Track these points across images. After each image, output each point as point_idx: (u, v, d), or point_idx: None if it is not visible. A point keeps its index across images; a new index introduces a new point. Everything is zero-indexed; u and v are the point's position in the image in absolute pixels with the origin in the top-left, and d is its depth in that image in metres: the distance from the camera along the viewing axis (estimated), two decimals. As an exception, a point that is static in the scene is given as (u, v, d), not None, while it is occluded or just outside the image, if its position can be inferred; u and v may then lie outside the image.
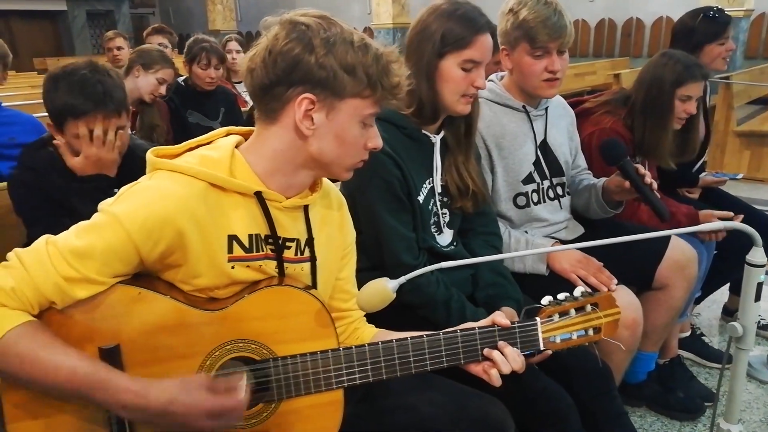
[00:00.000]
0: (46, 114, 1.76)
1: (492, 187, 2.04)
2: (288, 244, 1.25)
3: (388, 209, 1.66)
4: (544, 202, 2.12)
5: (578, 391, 1.61)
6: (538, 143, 2.09)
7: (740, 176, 3.28)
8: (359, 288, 1.27)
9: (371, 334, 1.43)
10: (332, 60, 1.12)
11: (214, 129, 1.30)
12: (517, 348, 1.28)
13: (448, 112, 1.70)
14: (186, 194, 1.12)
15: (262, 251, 1.21)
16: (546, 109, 2.13)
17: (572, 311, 1.32)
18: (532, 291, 1.78)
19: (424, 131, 1.73)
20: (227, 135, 1.27)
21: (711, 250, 2.49)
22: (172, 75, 3.19)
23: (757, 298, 1.27)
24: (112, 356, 1.10)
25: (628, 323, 1.86)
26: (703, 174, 2.88)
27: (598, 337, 1.34)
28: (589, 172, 2.29)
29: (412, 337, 1.25)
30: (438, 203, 1.78)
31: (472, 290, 1.83)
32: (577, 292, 1.35)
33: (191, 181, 1.14)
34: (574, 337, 1.33)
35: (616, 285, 1.92)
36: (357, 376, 1.22)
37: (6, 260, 1.08)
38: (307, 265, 1.29)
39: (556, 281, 1.94)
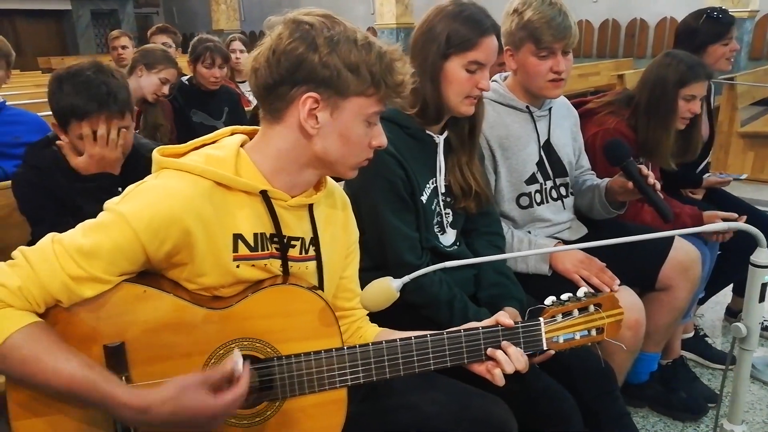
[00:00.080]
0: (51, 113, 1.77)
1: (495, 187, 2.04)
2: (293, 242, 1.25)
3: (391, 209, 1.66)
4: (547, 202, 2.12)
5: (581, 391, 1.61)
6: (542, 144, 2.09)
7: (744, 177, 3.28)
8: (362, 287, 1.28)
9: (374, 333, 1.44)
10: (336, 59, 1.12)
11: (217, 128, 1.30)
12: (520, 348, 1.28)
13: (451, 112, 1.70)
14: (192, 193, 1.12)
15: (267, 250, 1.21)
16: (549, 109, 2.13)
17: (575, 311, 1.32)
18: (535, 291, 1.78)
19: (427, 131, 1.73)
20: (232, 134, 1.27)
21: (714, 251, 2.49)
22: (175, 75, 3.20)
23: (761, 298, 1.27)
24: (116, 354, 1.10)
25: (630, 324, 1.86)
26: (707, 175, 2.87)
27: (600, 338, 1.34)
28: (593, 172, 2.29)
29: (415, 337, 1.25)
30: (441, 203, 1.78)
31: (475, 290, 1.83)
32: (581, 292, 1.35)
33: (197, 180, 1.14)
34: (577, 337, 1.33)
35: (619, 285, 1.92)
36: (361, 375, 1.22)
37: (11, 258, 1.09)
38: (311, 264, 1.29)
39: (558, 281, 1.94)
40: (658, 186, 1.91)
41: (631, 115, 2.37)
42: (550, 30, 1.88)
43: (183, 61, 4.24)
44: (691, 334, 2.72)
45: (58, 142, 1.79)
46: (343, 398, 1.24)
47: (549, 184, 2.12)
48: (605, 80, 7.72)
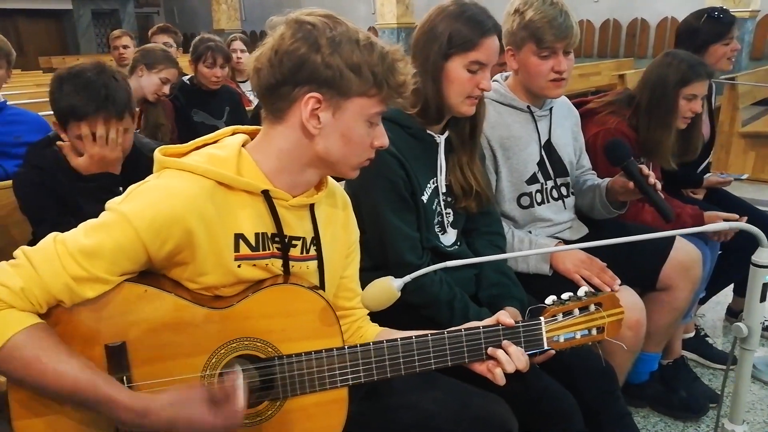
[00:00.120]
0: (52, 113, 1.77)
1: (496, 187, 2.04)
2: (294, 242, 1.26)
3: (392, 209, 1.66)
4: (548, 202, 2.12)
5: (582, 390, 1.61)
6: (543, 143, 2.09)
7: (745, 177, 3.28)
8: (363, 287, 1.28)
9: (375, 332, 1.44)
10: (338, 59, 1.12)
11: (218, 128, 1.30)
12: (521, 347, 1.28)
13: (452, 112, 1.70)
14: (194, 193, 1.12)
15: (269, 250, 1.21)
16: (550, 109, 2.13)
17: (576, 311, 1.32)
18: (536, 291, 1.78)
19: (428, 131, 1.73)
20: (233, 134, 1.28)
21: (715, 250, 2.49)
22: (176, 74, 3.20)
23: (763, 298, 1.27)
24: (118, 354, 1.11)
25: (631, 324, 1.86)
26: (708, 175, 2.87)
27: (601, 337, 1.34)
28: (594, 172, 2.29)
29: (416, 336, 1.25)
30: (442, 203, 1.78)
31: (475, 290, 1.83)
32: (581, 291, 1.35)
33: (199, 179, 1.14)
34: (578, 336, 1.33)
35: (620, 285, 1.92)
36: (362, 374, 1.22)
37: (13, 258, 1.09)
38: (312, 264, 1.30)
39: (559, 281, 1.94)
40: (659, 186, 1.92)
41: (632, 115, 2.37)
42: (551, 30, 1.88)
43: (184, 60, 4.24)
44: (692, 334, 2.72)
45: (58, 143, 1.79)
46: (344, 397, 1.24)
47: (550, 183, 2.12)
48: (606, 80, 7.73)
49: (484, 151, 1.98)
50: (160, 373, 1.13)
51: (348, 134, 1.18)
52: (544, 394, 1.54)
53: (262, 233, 1.20)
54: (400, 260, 1.66)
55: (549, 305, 1.32)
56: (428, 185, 1.73)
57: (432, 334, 1.26)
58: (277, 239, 1.22)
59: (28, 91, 5.56)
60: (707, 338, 2.77)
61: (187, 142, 1.25)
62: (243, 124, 1.31)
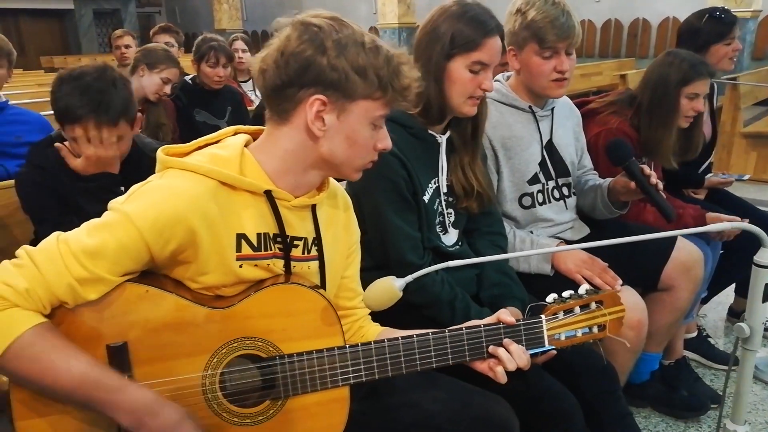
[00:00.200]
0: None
1: (497, 187, 2.04)
2: (296, 243, 1.26)
3: (394, 209, 1.66)
4: (549, 202, 2.12)
5: (583, 390, 1.61)
6: (544, 144, 2.09)
7: (746, 177, 3.27)
8: (364, 287, 1.28)
9: (376, 332, 1.44)
10: (344, 62, 1.12)
11: (220, 128, 1.31)
12: (522, 345, 1.29)
13: (454, 113, 1.70)
14: (197, 193, 1.12)
15: (271, 250, 1.22)
16: (552, 109, 2.13)
17: (577, 309, 1.32)
18: (537, 291, 1.78)
19: (430, 131, 1.73)
20: (235, 134, 1.28)
21: (717, 250, 2.48)
22: (177, 74, 3.21)
23: (765, 298, 1.27)
24: (119, 354, 1.11)
25: (633, 324, 1.86)
26: (710, 175, 2.87)
27: (602, 335, 1.34)
28: (595, 172, 2.29)
29: (417, 335, 1.26)
30: (443, 203, 1.78)
31: (477, 290, 1.83)
32: (582, 289, 1.35)
33: (202, 179, 1.14)
34: (579, 334, 1.33)
35: (621, 285, 1.92)
36: (363, 373, 1.22)
37: (15, 257, 1.09)
38: (314, 264, 1.30)
39: (561, 281, 1.93)
40: (661, 186, 1.92)
41: (633, 114, 2.37)
42: (553, 30, 1.88)
43: (185, 60, 4.25)
44: (693, 334, 2.72)
45: (56, 144, 1.79)
46: (345, 396, 1.24)
47: (551, 184, 2.12)
48: (608, 80, 7.73)
49: (486, 151, 1.98)
50: (162, 372, 1.13)
51: (352, 137, 1.18)
52: (545, 393, 1.54)
53: (264, 233, 1.20)
54: (402, 260, 1.66)
55: (550, 303, 1.32)
56: (430, 185, 1.73)
57: (433, 333, 1.26)
58: (279, 239, 1.22)
59: (30, 91, 5.56)
60: (709, 338, 2.76)
61: (189, 141, 1.25)
62: (245, 124, 1.31)
